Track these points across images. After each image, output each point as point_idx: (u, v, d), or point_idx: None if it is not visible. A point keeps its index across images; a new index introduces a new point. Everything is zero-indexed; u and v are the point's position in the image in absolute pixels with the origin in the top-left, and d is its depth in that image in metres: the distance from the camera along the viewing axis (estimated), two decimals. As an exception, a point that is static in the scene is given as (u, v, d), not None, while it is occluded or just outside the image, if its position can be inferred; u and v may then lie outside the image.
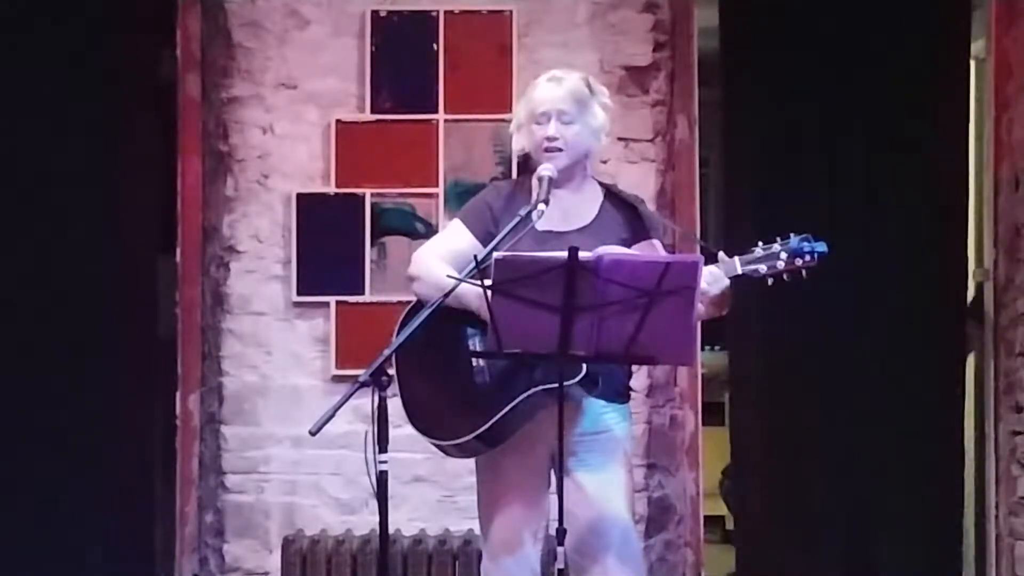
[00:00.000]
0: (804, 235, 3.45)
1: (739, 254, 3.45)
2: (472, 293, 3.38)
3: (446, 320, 3.44)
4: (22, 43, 5.01)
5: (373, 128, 5.20)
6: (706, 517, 5.37)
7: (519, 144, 3.64)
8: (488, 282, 3.18)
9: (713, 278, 3.38)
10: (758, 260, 3.44)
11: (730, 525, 6.03)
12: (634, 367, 3.68)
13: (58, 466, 4.96)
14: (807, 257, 3.44)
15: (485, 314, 3.30)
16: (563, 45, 5.21)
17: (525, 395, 3.41)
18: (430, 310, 3.31)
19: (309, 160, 5.22)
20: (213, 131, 5.24)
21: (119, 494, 5.03)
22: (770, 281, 3.44)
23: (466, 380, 3.48)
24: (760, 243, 3.46)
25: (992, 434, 5.03)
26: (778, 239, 3.45)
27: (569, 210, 3.56)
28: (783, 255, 3.43)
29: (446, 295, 3.32)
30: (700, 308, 3.30)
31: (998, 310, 5.01)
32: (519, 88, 4.84)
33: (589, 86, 3.60)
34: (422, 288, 3.53)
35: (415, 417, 3.51)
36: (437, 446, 3.56)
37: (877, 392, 5.06)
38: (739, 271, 3.43)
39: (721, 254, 3.45)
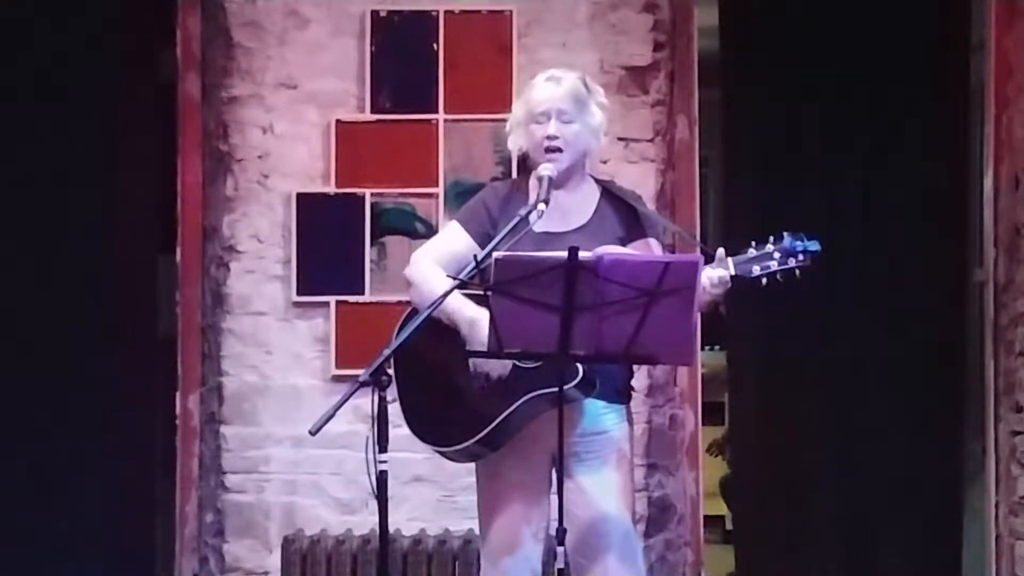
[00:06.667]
0: (797, 234, 3.45)
1: (733, 255, 3.45)
2: (464, 318, 3.40)
3: (444, 326, 3.44)
4: (22, 43, 5.01)
5: (373, 128, 5.20)
6: (706, 517, 5.38)
7: (516, 143, 3.64)
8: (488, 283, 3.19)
9: (719, 280, 3.38)
10: (751, 260, 3.44)
11: (730, 525, 6.03)
12: (634, 367, 3.68)
13: (58, 465, 4.96)
14: (800, 256, 3.43)
15: (473, 342, 3.35)
16: (563, 45, 5.22)
17: (523, 400, 3.41)
18: (429, 310, 3.31)
19: (309, 160, 5.23)
20: (213, 131, 5.24)
21: (119, 494, 5.03)
22: (764, 281, 3.44)
23: (465, 385, 3.48)
24: (753, 243, 3.46)
25: (992, 434, 5.03)
26: (771, 238, 3.45)
27: (566, 210, 3.56)
28: (776, 255, 3.43)
29: (445, 295, 3.32)
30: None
31: (998, 310, 5.01)
32: (519, 88, 4.83)
33: (586, 85, 3.61)
34: (417, 296, 3.54)
35: (415, 423, 3.52)
36: (438, 451, 3.57)
37: (877, 392, 5.06)
38: (732, 271, 3.43)
39: (720, 252, 3.44)
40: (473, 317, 3.40)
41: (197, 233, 5.21)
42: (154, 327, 5.23)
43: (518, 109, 3.63)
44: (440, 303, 3.32)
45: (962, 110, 5.13)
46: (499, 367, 3.44)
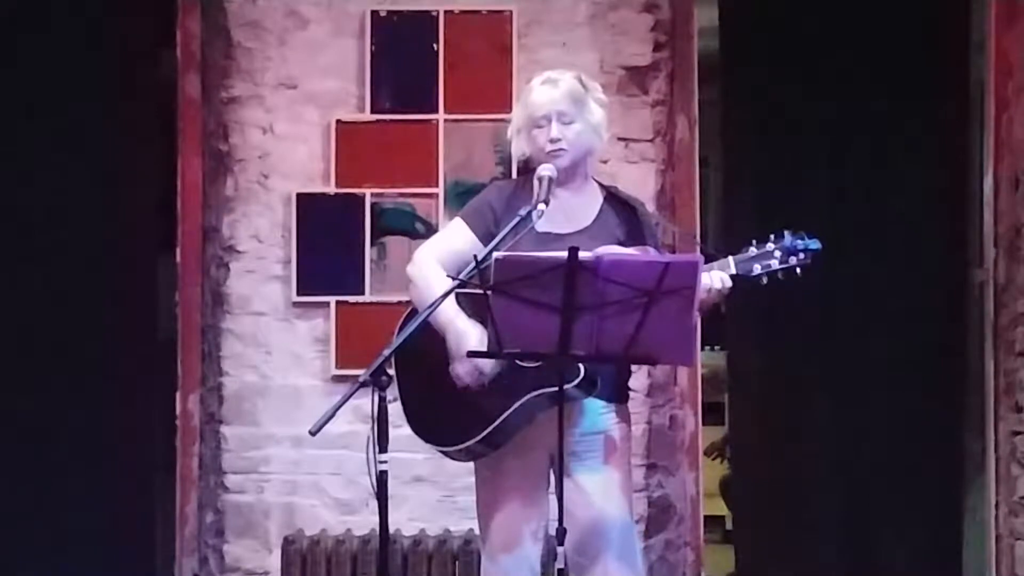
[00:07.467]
0: (798, 232, 3.45)
1: (733, 253, 3.45)
2: (454, 330, 3.42)
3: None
4: (22, 44, 5.02)
5: (373, 128, 5.20)
6: (706, 517, 5.38)
7: (519, 149, 3.63)
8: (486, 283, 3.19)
9: (719, 282, 3.39)
10: (752, 259, 3.44)
11: (730, 525, 6.03)
12: (633, 367, 3.68)
13: (58, 466, 4.96)
14: (801, 255, 3.44)
15: (455, 348, 3.39)
16: (563, 45, 5.21)
17: (525, 399, 3.42)
18: (428, 311, 3.31)
19: (309, 160, 5.23)
20: (213, 131, 5.24)
21: (119, 494, 5.03)
22: (764, 280, 3.44)
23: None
24: (754, 242, 3.46)
25: (992, 434, 5.03)
26: (772, 237, 3.45)
27: (570, 211, 3.56)
28: (777, 253, 3.43)
29: (444, 296, 3.32)
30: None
31: (998, 310, 5.01)
32: (519, 88, 4.84)
33: (583, 84, 3.60)
34: (415, 295, 3.54)
35: (416, 422, 3.52)
36: (439, 451, 3.57)
37: (877, 392, 5.06)
38: (733, 270, 3.43)
39: (730, 258, 3.45)
40: (462, 330, 3.41)
41: (197, 233, 5.21)
42: (154, 327, 5.22)
43: (518, 115, 3.63)
44: (439, 303, 3.32)
45: (962, 110, 5.13)
46: (490, 366, 3.44)
